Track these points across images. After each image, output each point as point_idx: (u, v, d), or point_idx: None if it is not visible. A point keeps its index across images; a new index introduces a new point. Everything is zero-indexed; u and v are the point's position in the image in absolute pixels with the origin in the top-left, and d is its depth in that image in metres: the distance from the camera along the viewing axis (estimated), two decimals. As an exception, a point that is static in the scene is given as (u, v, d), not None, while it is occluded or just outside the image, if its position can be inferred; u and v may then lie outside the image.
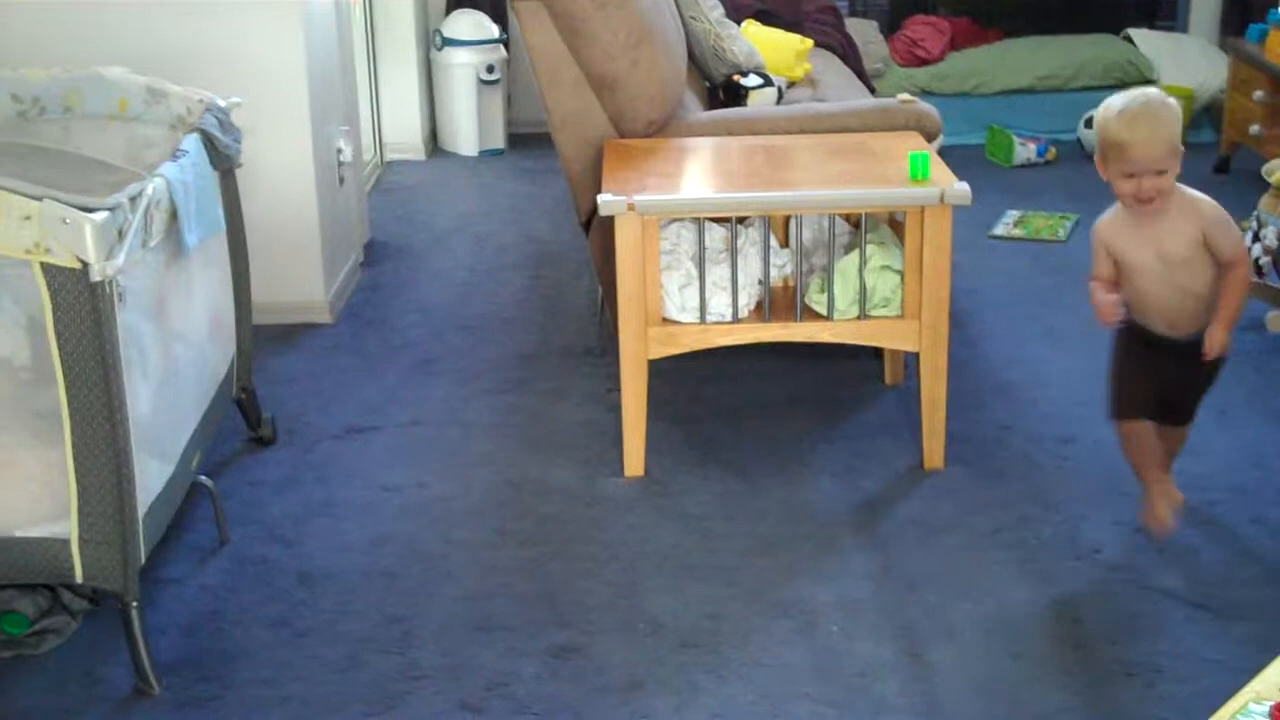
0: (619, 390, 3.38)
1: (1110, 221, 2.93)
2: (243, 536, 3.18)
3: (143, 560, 2.66)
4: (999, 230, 5.16)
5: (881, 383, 3.87)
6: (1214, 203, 2.86)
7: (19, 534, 2.59)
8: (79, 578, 2.60)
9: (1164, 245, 2.85)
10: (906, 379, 3.81)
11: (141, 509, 2.65)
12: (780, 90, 4.60)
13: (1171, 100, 2.82)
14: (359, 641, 2.79)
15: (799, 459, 3.48)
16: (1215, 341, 2.81)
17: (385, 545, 3.14)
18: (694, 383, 3.89)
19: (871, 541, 3.11)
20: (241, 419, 3.56)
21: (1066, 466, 3.42)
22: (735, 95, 4.55)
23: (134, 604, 2.63)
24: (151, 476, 2.74)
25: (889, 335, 3.37)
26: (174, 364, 2.95)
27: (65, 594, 2.83)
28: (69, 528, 2.57)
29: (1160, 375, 2.96)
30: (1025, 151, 6.05)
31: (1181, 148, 2.81)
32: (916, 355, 3.37)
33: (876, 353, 3.86)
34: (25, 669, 2.72)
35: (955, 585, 2.93)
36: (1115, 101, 2.82)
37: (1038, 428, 3.61)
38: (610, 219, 3.26)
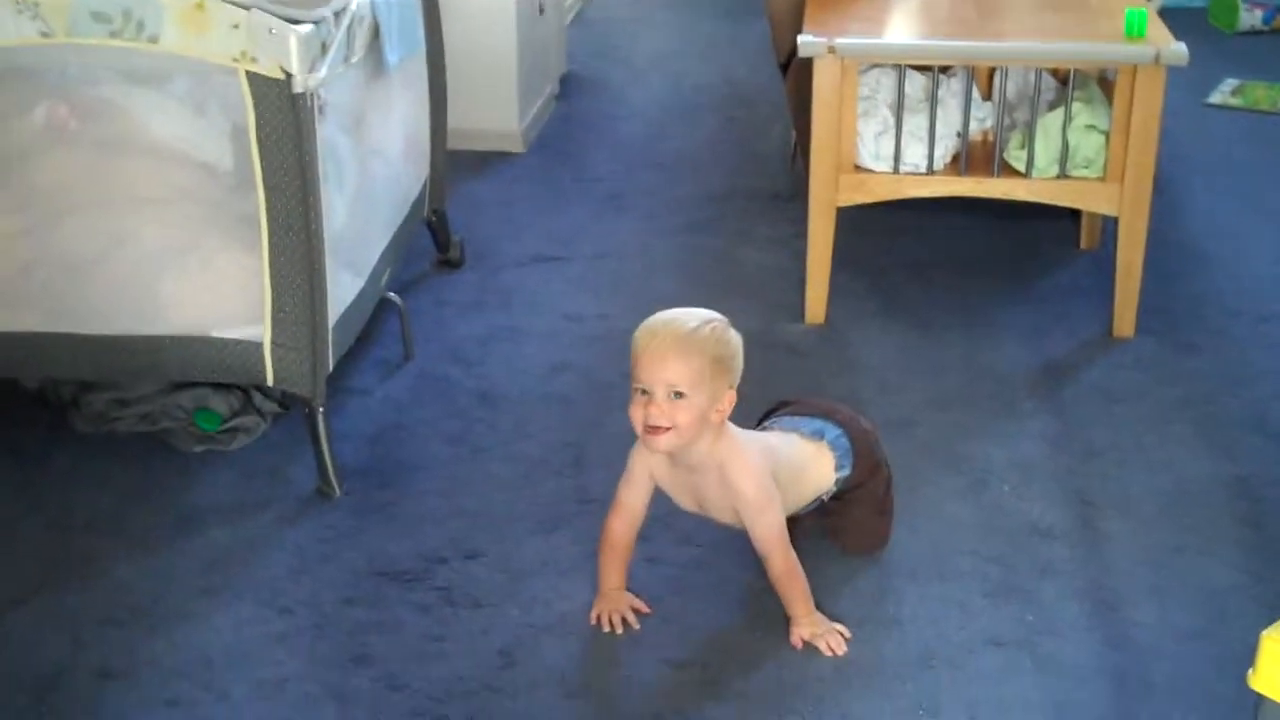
0: (805, 236, 3.35)
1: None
2: (427, 354, 3.25)
3: (331, 368, 2.74)
4: (1214, 98, 4.95)
5: (1076, 247, 3.77)
6: (759, 485, 2.33)
7: (215, 334, 2.68)
8: (270, 381, 2.69)
9: (705, 500, 2.41)
10: (1103, 244, 3.71)
11: (332, 318, 2.72)
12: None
13: (732, 334, 2.30)
14: (532, 462, 2.86)
15: (984, 318, 3.42)
16: (799, 639, 2.35)
17: (563, 372, 3.19)
18: (882, 234, 3.83)
19: (1052, 405, 3.06)
20: (432, 241, 3.63)
21: (1262, 343, 3.31)
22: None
23: (320, 409, 2.72)
24: (343, 287, 2.81)
25: (1088, 197, 3.28)
26: (369, 180, 3.00)
27: (256, 396, 2.94)
28: (262, 332, 2.66)
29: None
30: (1251, 17, 5.76)
31: (730, 388, 2.29)
32: (1115, 220, 3.27)
33: (1073, 215, 3.76)
34: (215, 464, 2.85)
35: (1134, 455, 2.87)
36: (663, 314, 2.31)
37: (1236, 302, 3.49)
38: (809, 61, 3.20)
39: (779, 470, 2.39)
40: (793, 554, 2.36)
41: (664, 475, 2.40)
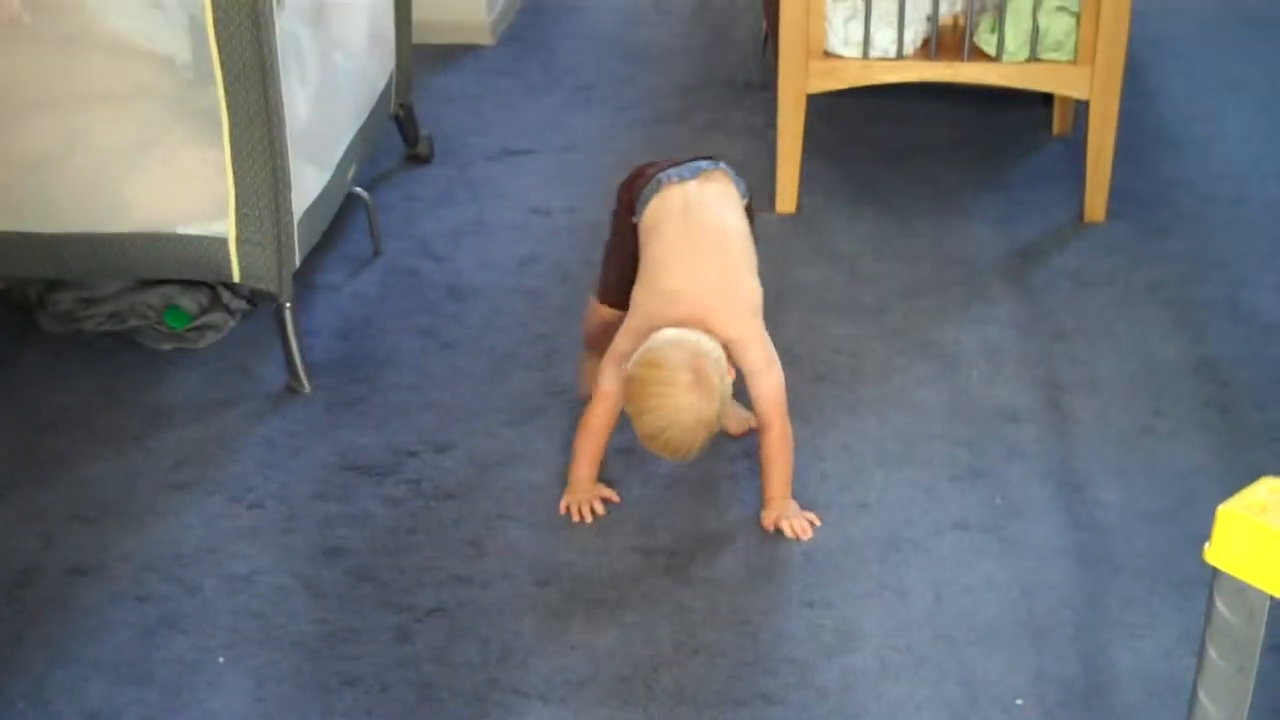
0: (776, 126, 3.33)
1: None
2: (396, 249, 3.23)
3: (297, 263, 2.72)
4: (1191, -20, 4.90)
5: (1048, 132, 3.75)
6: (762, 347, 2.36)
7: (180, 230, 2.66)
8: (236, 277, 2.68)
9: None
10: (1075, 130, 3.69)
11: (297, 213, 2.70)
12: None
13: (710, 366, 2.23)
14: (503, 355, 2.86)
15: (956, 204, 3.41)
16: (770, 522, 2.37)
17: (533, 265, 3.18)
18: (854, 122, 3.81)
19: (1022, 290, 3.06)
20: (399, 136, 3.59)
21: (1235, 227, 3.30)
22: None
23: (288, 305, 2.71)
24: (308, 181, 2.78)
25: (1059, 80, 3.25)
26: (332, 73, 2.96)
27: (225, 293, 2.93)
28: (227, 227, 2.64)
29: None
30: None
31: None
32: (1086, 104, 3.25)
33: (1046, 101, 3.73)
34: (184, 362, 2.84)
35: (1103, 338, 2.88)
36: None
37: (1208, 185, 3.48)
38: (777, -55, 3.16)
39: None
40: (789, 427, 2.37)
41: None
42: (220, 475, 2.52)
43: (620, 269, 2.51)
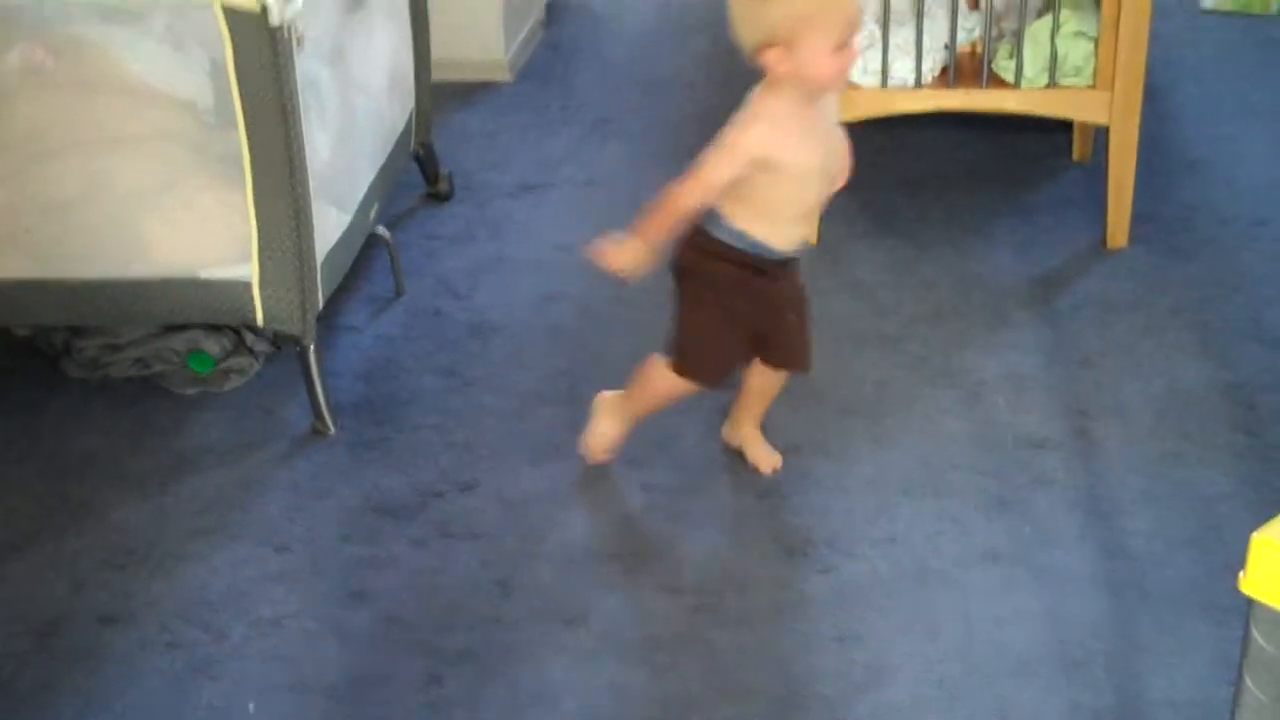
0: (795, 155, 3.33)
1: (771, 127, 2.29)
2: (418, 288, 3.24)
3: (320, 305, 2.73)
4: (1207, 3, 4.89)
5: (1068, 158, 3.74)
6: None
7: (203, 275, 2.67)
8: (260, 320, 2.69)
9: (830, 130, 2.40)
10: (1095, 155, 3.68)
11: (320, 255, 2.71)
12: None
13: None
14: (526, 393, 2.85)
15: (977, 231, 3.40)
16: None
17: (555, 302, 3.18)
18: (873, 151, 3.78)
19: (1046, 316, 3.05)
20: (420, 174, 3.60)
21: (1256, 249, 3.29)
22: None
23: (311, 347, 2.71)
24: (330, 223, 2.79)
25: (1078, 106, 3.24)
26: (353, 114, 2.98)
27: (248, 336, 2.93)
28: (250, 271, 2.65)
29: (775, 311, 2.45)
30: (1243, -82, 5.68)
31: None
32: (1106, 129, 3.24)
33: (1065, 126, 3.72)
34: (209, 405, 2.85)
35: (1129, 364, 2.87)
36: None
37: (1229, 208, 3.47)
38: (792, -23, 3.16)
39: None
40: None
41: (798, 142, 2.29)
42: (246, 519, 2.52)
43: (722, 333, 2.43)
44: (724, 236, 2.34)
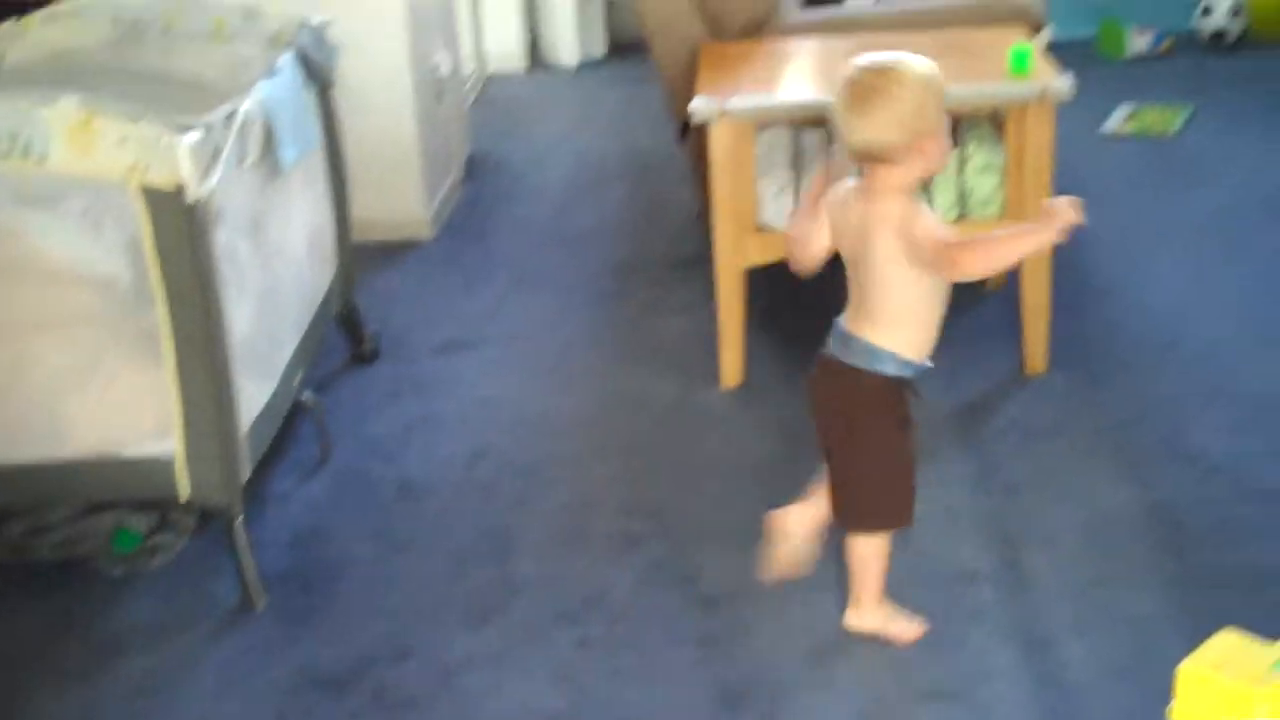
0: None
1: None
2: (346, 451, 3.23)
3: (246, 477, 2.72)
4: (1109, 127, 5.04)
5: (983, 287, 3.81)
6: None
7: (126, 454, 2.66)
8: (184, 496, 2.67)
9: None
10: (1009, 283, 3.74)
11: (244, 427, 2.70)
12: (879, -12, 4.52)
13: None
14: (458, 554, 2.84)
15: (898, 365, 3.44)
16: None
17: (484, 459, 3.18)
18: (793, 286, 3.85)
19: (971, 446, 3.08)
20: (344, 336, 3.61)
21: (1172, 369, 3.35)
22: (833, -6, 4.47)
23: (238, 520, 2.69)
24: (254, 394, 2.79)
25: (988, 238, 3.31)
26: (274, 282, 2.99)
27: (173, 511, 2.91)
28: (174, 447, 2.64)
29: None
30: (1139, 42, 5.88)
31: None
32: (1017, 258, 3.30)
33: (978, 256, 3.79)
34: (136, 585, 2.81)
35: (1054, 490, 2.90)
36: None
37: (1142, 331, 3.54)
38: (705, 125, 3.23)
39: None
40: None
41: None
42: (178, 704, 2.47)
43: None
44: (890, 369, 2.39)
